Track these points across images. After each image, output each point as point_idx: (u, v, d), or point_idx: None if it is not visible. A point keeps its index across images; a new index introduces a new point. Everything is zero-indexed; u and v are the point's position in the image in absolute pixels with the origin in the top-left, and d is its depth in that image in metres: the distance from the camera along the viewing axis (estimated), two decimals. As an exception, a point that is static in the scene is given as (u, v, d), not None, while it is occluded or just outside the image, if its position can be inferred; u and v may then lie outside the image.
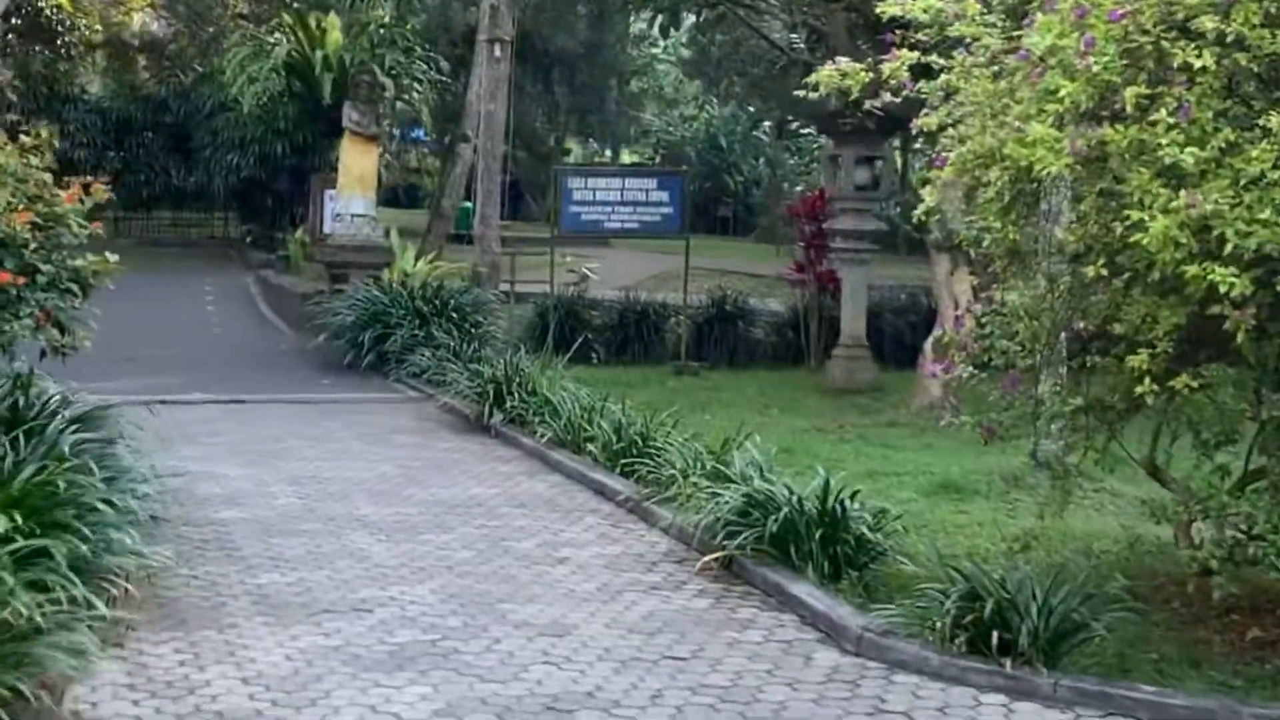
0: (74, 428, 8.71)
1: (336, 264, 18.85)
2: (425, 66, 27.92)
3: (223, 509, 9.51)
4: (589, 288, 19.93)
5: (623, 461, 10.65)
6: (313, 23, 27.36)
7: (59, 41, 41.80)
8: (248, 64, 26.95)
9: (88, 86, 34.79)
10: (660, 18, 21.28)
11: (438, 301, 16.73)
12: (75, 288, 7.75)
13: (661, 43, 48.69)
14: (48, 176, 7.75)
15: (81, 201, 7.96)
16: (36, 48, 41.70)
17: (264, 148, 28.94)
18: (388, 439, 12.54)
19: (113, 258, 8.16)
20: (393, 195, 47.01)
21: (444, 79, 29.31)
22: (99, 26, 46.34)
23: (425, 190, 44.10)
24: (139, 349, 17.60)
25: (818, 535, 7.79)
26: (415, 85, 27.44)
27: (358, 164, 18.95)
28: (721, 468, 9.09)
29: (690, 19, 30.78)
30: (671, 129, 49.07)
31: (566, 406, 12.04)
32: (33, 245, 7.26)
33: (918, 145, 30.74)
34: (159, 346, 17.91)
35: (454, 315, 16.51)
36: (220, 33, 33.94)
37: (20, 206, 7.29)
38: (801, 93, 7.74)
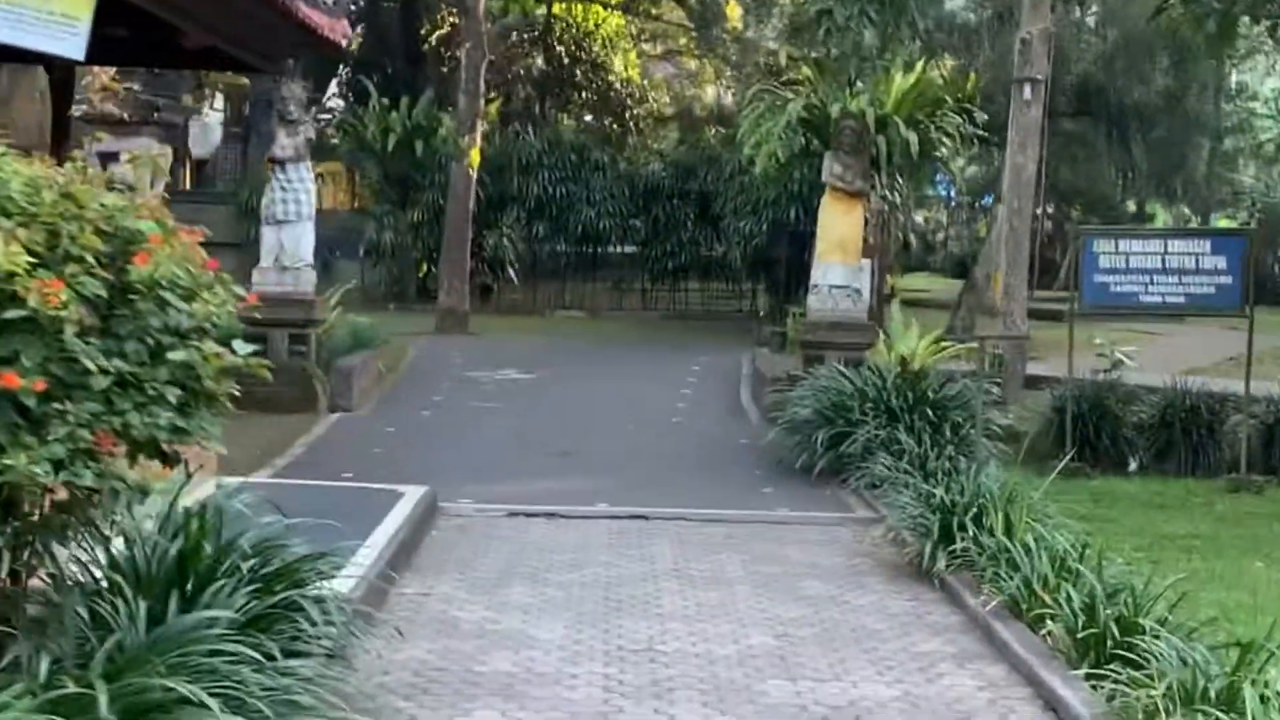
0: (256, 588, 6.23)
1: (811, 344, 15.89)
2: (958, 119, 24.51)
3: (482, 711, 6.67)
4: (1123, 375, 15.94)
5: (1090, 659, 7.06)
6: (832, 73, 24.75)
7: (628, 115, 41.86)
8: (763, 122, 24.54)
9: (617, 154, 33.73)
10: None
11: (910, 394, 13.39)
12: (177, 395, 5.16)
13: (1264, 95, 43.27)
14: (146, 225, 5.19)
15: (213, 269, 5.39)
16: (607, 120, 41.99)
17: (776, 213, 26.51)
18: (792, 585, 9.37)
19: (245, 348, 5.49)
20: (961, 265, 43.86)
21: (982, 133, 25.78)
22: (667, 99, 46.39)
23: (996, 259, 40.64)
24: (584, 440, 15.35)
25: None
26: (943, 140, 24.10)
27: (837, 226, 15.90)
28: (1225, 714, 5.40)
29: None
30: (1270, 190, 43.32)
31: (1031, 554, 8.47)
32: (76, 323, 4.71)
33: None
34: (606, 437, 15.55)
35: (930, 411, 13.13)
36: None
37: (75, 255, 4.78)
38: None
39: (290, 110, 15.82)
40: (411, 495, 10.96)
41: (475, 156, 25.53)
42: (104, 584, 6.09)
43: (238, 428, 14.41)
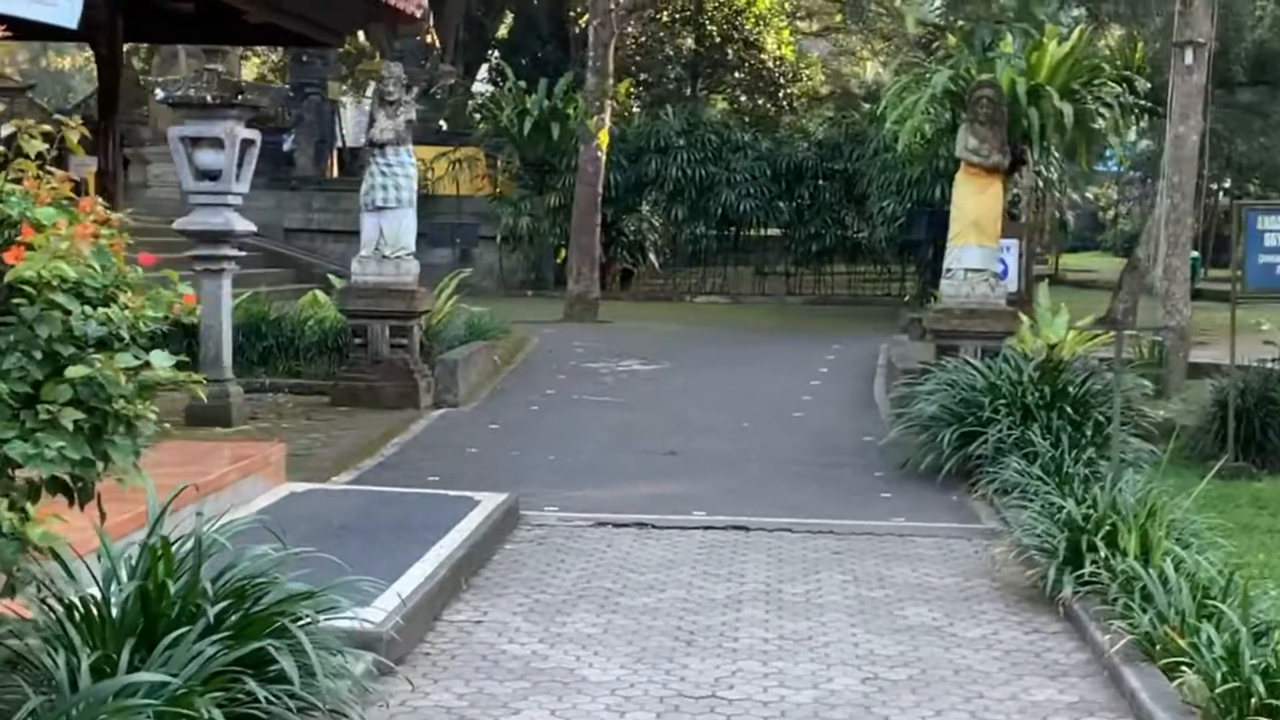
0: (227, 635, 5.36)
1: (944, 333, 14.62)
2: (1118, 89, 22.91)
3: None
4: (1294, 364, 14.43)
5: (1233, 716, 5.87)
6: (979, 45, 23.37)
7: (781, 94, 40.81)
8: (906, 95, 23.24)
9: (760, 135, 32.50)
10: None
11: (1046, 389, 12.12)
12: (75, 419, 4.30)
13: None
14: (44, 212, 4.33)
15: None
16: (760, 100, 41.02)
17: (921, 192, 25.18)
18: (895, 611, 8.26)
19: (167, 360, 4.60)
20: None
21: (1145, 103, 24.10)
22: (821, 78, 45.21)
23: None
24: (694, 438, 14.28)
25: None
26: (1101, 111, 22.49)
27: (972, 204, 14.63)
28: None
29: None
30: None
31: (1169, 582, 7.24)
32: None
33: None
34: (717, 435, 14.46)
35: (1069, 409, 11.85)
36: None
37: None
38: None
39: (390, 91, 15.02)
40: (487, 504, 10.05)
41: (604, 137, 24.61)
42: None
43: (334, 426, 13.87)
